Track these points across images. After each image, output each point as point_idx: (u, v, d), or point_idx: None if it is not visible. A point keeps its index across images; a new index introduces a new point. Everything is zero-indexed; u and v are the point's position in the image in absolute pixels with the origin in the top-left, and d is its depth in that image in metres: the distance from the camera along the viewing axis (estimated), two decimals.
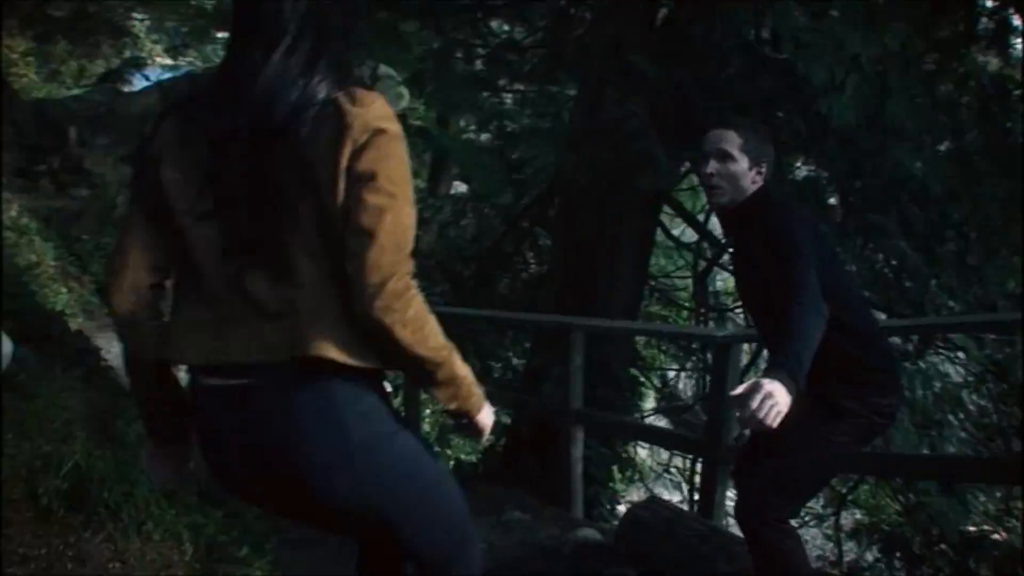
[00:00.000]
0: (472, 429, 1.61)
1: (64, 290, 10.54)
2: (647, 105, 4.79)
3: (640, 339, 8.98)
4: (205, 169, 1.43)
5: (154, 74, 15.65)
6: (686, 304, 8.01)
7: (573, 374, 4.65)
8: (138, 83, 15.61)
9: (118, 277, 1.52)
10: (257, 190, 1.39)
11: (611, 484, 6.77)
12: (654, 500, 4.13)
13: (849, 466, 4.11)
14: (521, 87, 7.20)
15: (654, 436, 5.66)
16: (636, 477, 8.91)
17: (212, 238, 1.44)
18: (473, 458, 7.66)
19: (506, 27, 7.47)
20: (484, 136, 7.16)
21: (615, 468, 7.37)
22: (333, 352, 1.39)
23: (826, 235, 2.70)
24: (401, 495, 1.52)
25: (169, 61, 16.50)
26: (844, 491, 5.92)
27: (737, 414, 1.95)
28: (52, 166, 12.15)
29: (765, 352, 2.89)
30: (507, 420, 6.34)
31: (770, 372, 1.97)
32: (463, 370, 1.52)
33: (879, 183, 4.37)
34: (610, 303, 5.69)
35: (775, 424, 1.89)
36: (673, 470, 9.47)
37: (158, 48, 16.91)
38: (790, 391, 1.93)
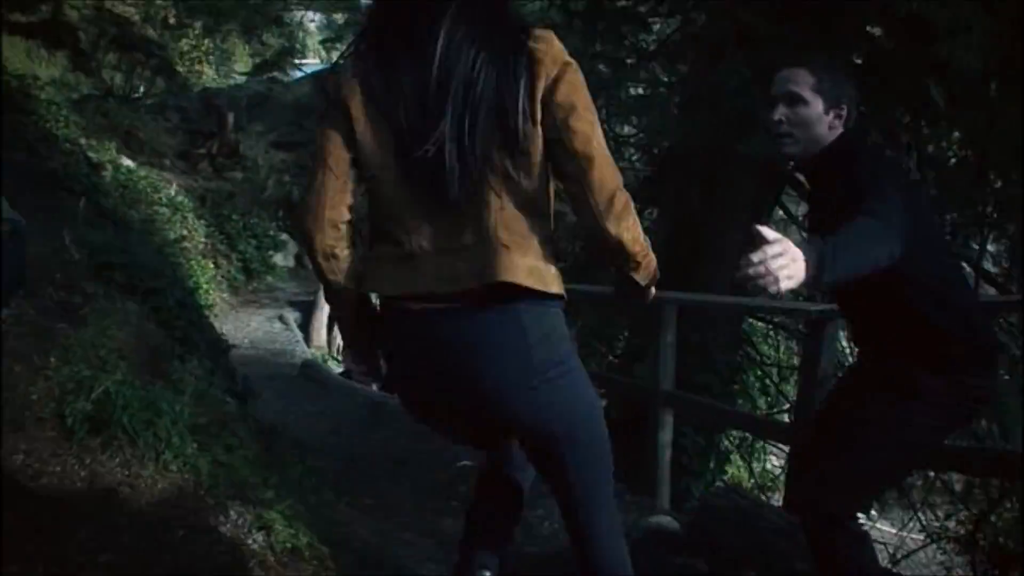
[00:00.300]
0: (647, 294, 1.80)
1: (211, 265, 11.22)
2: (758, 66, 4.41)
3: (768, 341, 8.40)
4: (395, 116, 1.55)
5: (309, 66, 16.42)
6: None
7: (663, 352, 4.33)
8: (294, 74, 16.41)
9: (317, 215, 1.64)
10: (452, 135, 1.51)
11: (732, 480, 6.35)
12: (733, 489, 3.78)
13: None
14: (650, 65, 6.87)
15: (746, 423, 5.19)
16: (760, 483, 8.36)
17: (401, 178, 1.57)
18: None
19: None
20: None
21: (741, 470, 6.93)
22: (523, 279, 1.54)
23: (919, 187, 2.31)
24: (568, 412, 1.66)
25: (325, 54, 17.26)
26: (977, 513, 5.24)
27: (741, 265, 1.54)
28: (211, 150, 12.94)
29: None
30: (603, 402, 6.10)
31: (801, 245, 1.59)
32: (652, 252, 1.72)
33: (1016, 145, 3.78)
34: (715, 285, 5.30)
35: (778, 288, 1.50)
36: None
37: (315, 41, 17.75)
38: (808, 273, 1.54)
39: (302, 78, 15.57)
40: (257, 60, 17.90)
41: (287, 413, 7.37)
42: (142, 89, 14.28)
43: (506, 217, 1.55)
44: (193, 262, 10.35)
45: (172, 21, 18.14)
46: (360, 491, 4.96)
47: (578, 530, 1.80)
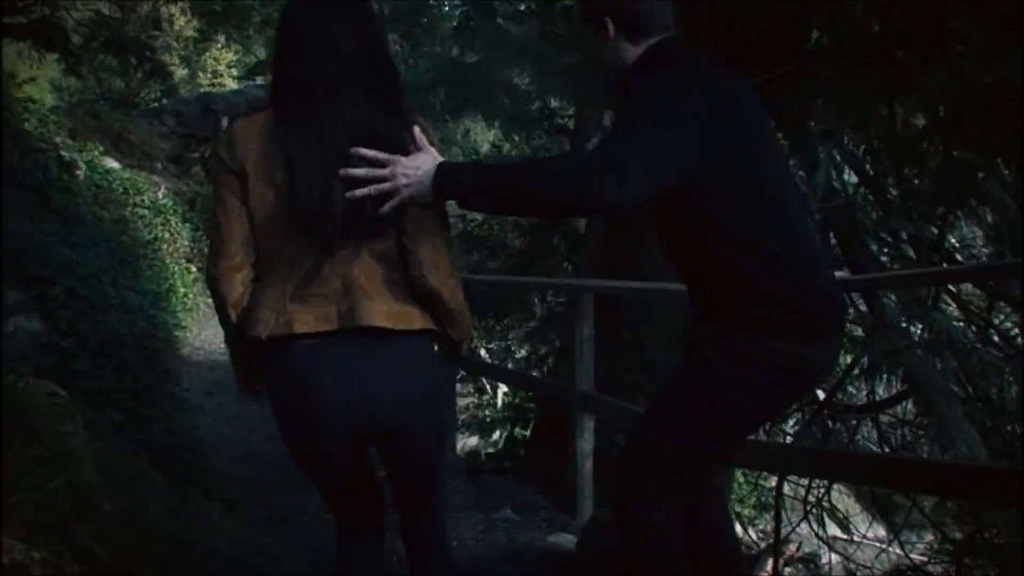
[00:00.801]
0: (459, 352, 1.97)
1: (193, 268, 10.95)
2: (707, 30, 3.95)
3: None
4: (283, 172, 1.71)
5: None
6: None
7: (580, 348, 3.85)
8: None
9: (228, 280, 1.79)
10: (331, 192, 1.70)
11: None
12: None
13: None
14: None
15: None
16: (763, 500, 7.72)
17: (288, 231, 1.73)
18: (490, 450, 6.86)
19: None
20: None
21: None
22: (383, 322, 1.74)
23: (747, 113, 1.86)
24: (443, 416, 1.97)
25: None
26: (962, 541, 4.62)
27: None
28: (204, 154, 12.75)
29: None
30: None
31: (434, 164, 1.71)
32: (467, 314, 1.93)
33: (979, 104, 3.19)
34: (667, 275, 4.73)
35: (371, 197, 1.68)
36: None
37: None
38: (439, 187, 1.67)
39: None
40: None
41: (235, 418, 7.04)
42: (154, 94, 14.18)
43: (368, 268, 1.76)
44: (173, 265, 10.09)
45: (195, 34, 18.20)
46: (261, 501, 4.57)
47: (419, 539, 2.02)
